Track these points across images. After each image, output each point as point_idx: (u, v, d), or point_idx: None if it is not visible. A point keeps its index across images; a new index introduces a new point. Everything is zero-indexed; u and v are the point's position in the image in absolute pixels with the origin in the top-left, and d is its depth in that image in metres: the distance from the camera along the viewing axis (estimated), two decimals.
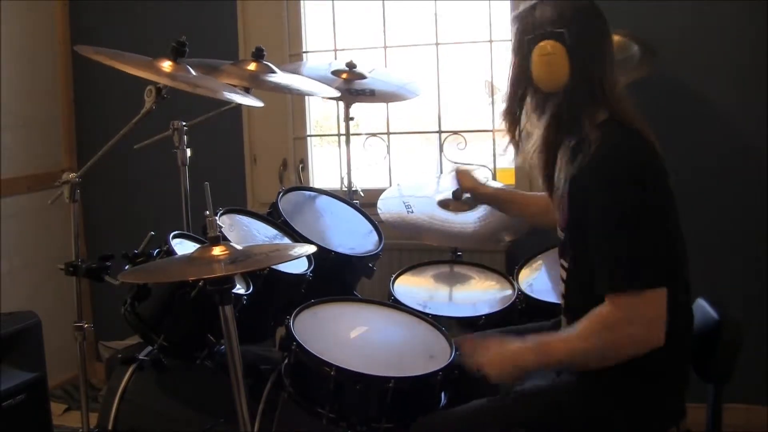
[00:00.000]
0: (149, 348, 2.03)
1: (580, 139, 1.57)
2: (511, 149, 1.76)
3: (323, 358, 1.65)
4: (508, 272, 2.41)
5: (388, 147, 3.21)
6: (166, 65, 1.87)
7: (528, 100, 1.66)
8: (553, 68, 1.58)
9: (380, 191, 2.62)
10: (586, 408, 1.61)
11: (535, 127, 1.67)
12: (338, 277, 2.30)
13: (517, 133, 1.72)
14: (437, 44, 3.12)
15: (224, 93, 1.91)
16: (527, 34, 1.61)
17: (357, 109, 2.76)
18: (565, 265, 1.69)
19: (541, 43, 1.58)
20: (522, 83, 1.65)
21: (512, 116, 1.70)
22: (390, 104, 3.17)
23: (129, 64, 1.83)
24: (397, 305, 2.08)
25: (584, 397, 1.61)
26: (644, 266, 1.49)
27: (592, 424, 1.60)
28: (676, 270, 1.56)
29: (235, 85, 2.10)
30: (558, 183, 1.70)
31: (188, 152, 2.34)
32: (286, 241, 2.21)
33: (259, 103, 2.07)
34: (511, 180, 3.05)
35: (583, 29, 1.59)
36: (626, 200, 1.50)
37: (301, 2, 3.24)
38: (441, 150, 3.16)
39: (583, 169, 1.54)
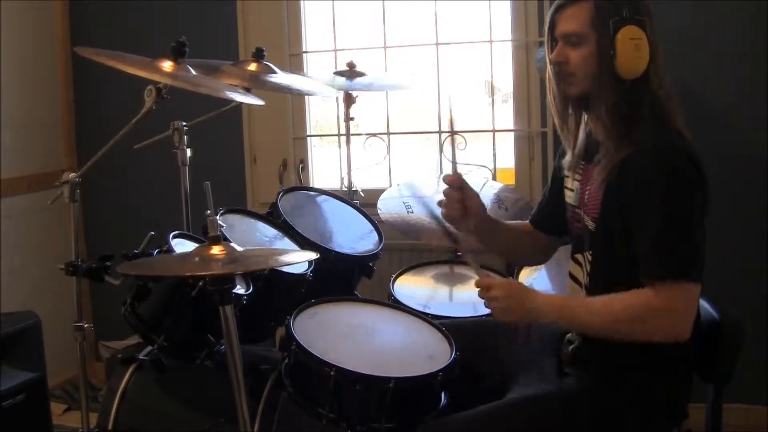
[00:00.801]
0: (149, 348, 2.03)
1: (630, 130, 1.58)
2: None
3: (323, 358, 1.65)
4: (508, 272, 2.41)
5: (388, 147, 3.21)
6: (167, 65, 1.87)
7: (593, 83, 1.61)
8: (640, 53, 1.57)
9: (380, 191, 2.63)
10: (590, 411, 1.61)
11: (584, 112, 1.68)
12: (338, 277, 2.30)
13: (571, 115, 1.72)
14: (437, 44, 3.12)
15: (225, 92, 1.91)
16: (610, 16, 1.57)
17: (357, 109, 2.76)
18: (588, 258, 1.69)
19: (629, 26, 1.56)
20: (602, 63, 1.58)
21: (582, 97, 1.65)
22: (390, 105, 3.17)
23: (129, 64, 1.82)
24: (397, 305, 2.08)
25: (589, 400, 1.62)
26: (695, 259, 1.52)
27: (595, 426, 1.60)
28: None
29: (235, 86, 2.10)
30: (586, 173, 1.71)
31: (188, 152, 2.34)
32: (287, 241, 2.21)
33: (260, 102, 2.07)
34: (511, 180, 3.05)
35: (653, 25, 1.60)
36: (688, 192, 1.53)
37: (301, 2, 3.24)
38: (441, 150, 3.16)
39: (642, 157, 1.55)
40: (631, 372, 1.60)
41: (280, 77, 2.26)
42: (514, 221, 2.03)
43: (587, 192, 1.70)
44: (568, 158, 1.78)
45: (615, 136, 1.60)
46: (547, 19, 1.69)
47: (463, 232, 1.83)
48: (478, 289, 1.67)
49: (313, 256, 1.81)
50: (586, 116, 1.72)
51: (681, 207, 1.52)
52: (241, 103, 2.11)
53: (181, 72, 1.87)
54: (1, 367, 2.38)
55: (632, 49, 1.56)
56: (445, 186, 1.81)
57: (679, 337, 1.51)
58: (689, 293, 1.51)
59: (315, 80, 2.53)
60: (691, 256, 1.52)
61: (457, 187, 1.80)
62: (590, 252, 1.68)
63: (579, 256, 1.74)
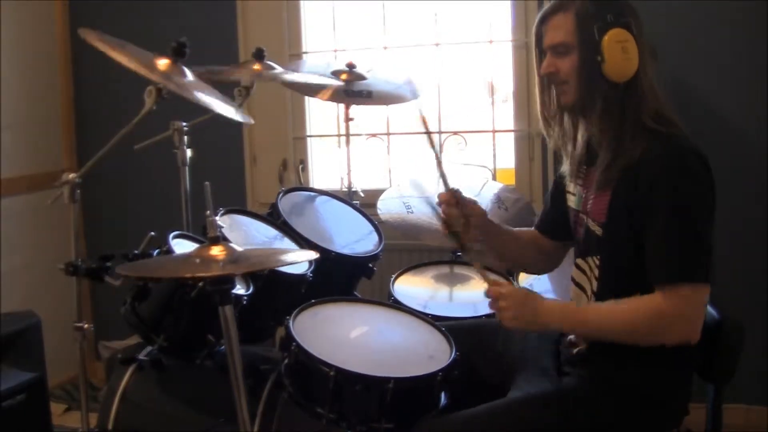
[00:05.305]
0: (149, 348, 2.03)
1: (629, 133, 1.57)
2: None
3: (323, 358, 1.65)
4: (509, 272, 2.41)
5: (388, 147, 3.21)
6: (163, 63, 1.84)
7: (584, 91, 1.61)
8: (628, 55, 1.55)
9: (380, 191, 2.63)
10: (590, 410, 1.61)
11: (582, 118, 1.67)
12: (338, 278, 2.30)
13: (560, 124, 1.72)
14: (437, 44, 3.12)
15: (215, 107, 1.84)
16: (594, 22, 1.56)
17: (357, 109, 2.76)
18: (596, 263, 1.68)
19: (614, 30, 1.55)
20: (591, 70, 1.57)
21: (582, 108, 1.63)
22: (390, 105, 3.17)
23: (129, 57, 1.79)
24: (397, 305, 2.08)
25: (588, 400, 1.62)
26: (706, 261, 1.51)
27: (595, 425, 1.60)
28: None
29: (238, 83, 2.08)
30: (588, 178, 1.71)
31: (188, 152, 2.34)
32: (287, 241, 2.21)
33: (249, 120, 2.01)
34: (511, 180, 3.05)
35: (639, 24, 1.59)
36: (700, 193, 1.53)
37: (301, 2, 3.24)
38: (441, 150, 3.16)
39: (654, 161, 1.53)
40: (631, 371, 1.60)
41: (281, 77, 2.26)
42: (520, 229, 2.01)
43: (591, 197, 1.69)
44: (566, 165, 1.77)
45: (613, 140, 1.60)
46: (533, 32, 1.69)
47: (471, 241, 1.83)
48: (488, 299, 1.67)
49: (313, 255, 1.82)
50: (583, 122, 1.71)
51: (692, 209, 1.52)
52: (242, 103, 2.10)
53: (176, 73, 1.84)
54: (1, 367, 2.38)
55: (619, 52, 1.55)
56: (443, 204, 1.81)
57: (690, 340, 1.51)
58: (699, 295, 1.51)
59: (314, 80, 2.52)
60: (702, 258, 1.51)
61: (454, 204, 1.81)
62: (598, 257, 1.67)
63: (582, 262, 1.73)
